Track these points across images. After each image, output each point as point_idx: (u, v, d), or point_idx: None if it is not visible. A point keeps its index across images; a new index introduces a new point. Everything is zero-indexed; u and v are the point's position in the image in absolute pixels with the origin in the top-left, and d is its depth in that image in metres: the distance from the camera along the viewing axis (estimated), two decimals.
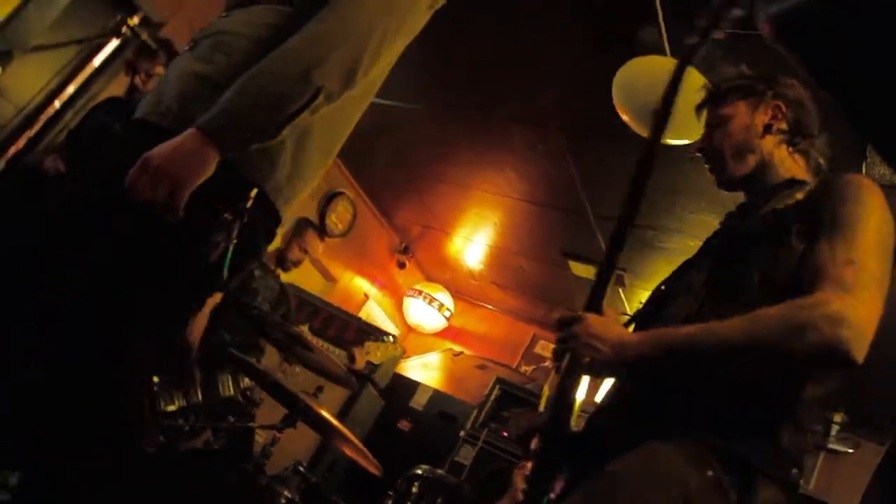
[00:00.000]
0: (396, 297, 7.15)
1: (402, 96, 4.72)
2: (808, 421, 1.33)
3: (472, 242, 6.17)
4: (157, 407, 3.87)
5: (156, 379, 3.95)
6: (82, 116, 3.44)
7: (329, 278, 6.48)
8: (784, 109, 1.58)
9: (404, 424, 5.54)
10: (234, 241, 1.51)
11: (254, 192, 1.52)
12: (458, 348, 6.88)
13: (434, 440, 5.36)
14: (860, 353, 1.23)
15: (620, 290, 5.46)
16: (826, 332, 1.24)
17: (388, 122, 5.17)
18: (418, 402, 5.69)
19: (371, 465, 2.93)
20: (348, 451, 3.12)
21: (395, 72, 1.84)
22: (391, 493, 2.64)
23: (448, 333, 7.14)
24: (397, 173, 5.81)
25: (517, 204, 5.16)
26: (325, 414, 2.58)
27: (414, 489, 2.56)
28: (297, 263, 4.44)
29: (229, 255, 1.51)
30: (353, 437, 2.64)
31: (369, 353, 3.99)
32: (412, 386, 5.80)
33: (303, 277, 5.79)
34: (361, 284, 6.82)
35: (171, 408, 3.89)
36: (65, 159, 3.15)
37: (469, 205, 5.61)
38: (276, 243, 4.42)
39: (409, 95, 4.67)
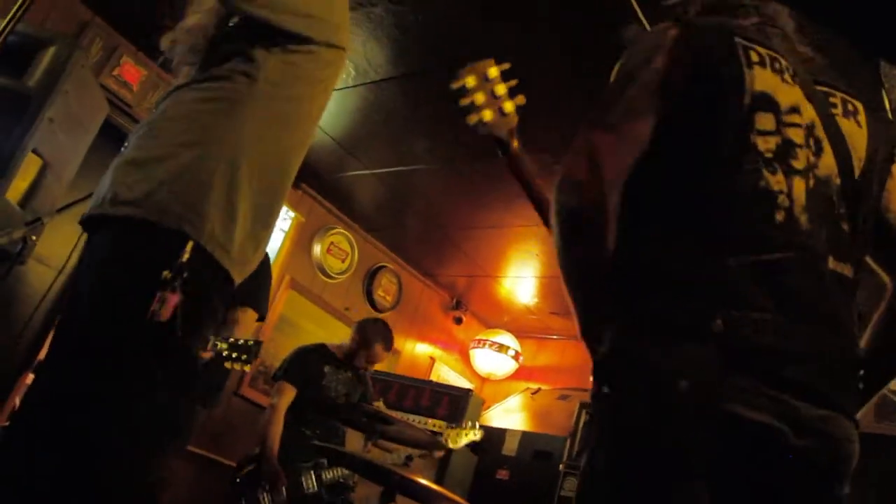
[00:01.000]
0: (462, 352, 7.15)
1: (414, 159, 4.82)
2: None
3: (521, 279, 6.17)
4: None
5: (238, 481, 4.01)
6: None
7: (392, 352, 6.50)
8: None
9: (502, 474, 5.49)
10: (180, 298, 1.54)
11: (189, 244, 1.57)
12: (534, 386, 6.82)
13: (535, 481, 5.29)
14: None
15: None
16: None
17: (407, 188, 5.27)
18: (510, 448, 5.64)
19: None
20: None
21: (404, 139, 1.91)
22: None
23: (522, 374, 7.09)
24: (431, 233, 5.87)
25: (547, 231, 5.15)
26: (421, 480, 2.58)
27: None
28: (365, 369, 4.50)
29: (177, 311, 1.54)
30: (455, 496, 2.63)
31: (451, 441, 4.00)
32: (500, 434, 5.76)
33: None
34: (424, 350, 6.84)
35: None
36: None
37: (507, 243, 5.64)
38: (346, 343, 4.48)
39: (421, 157, 4.77)
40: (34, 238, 2.60)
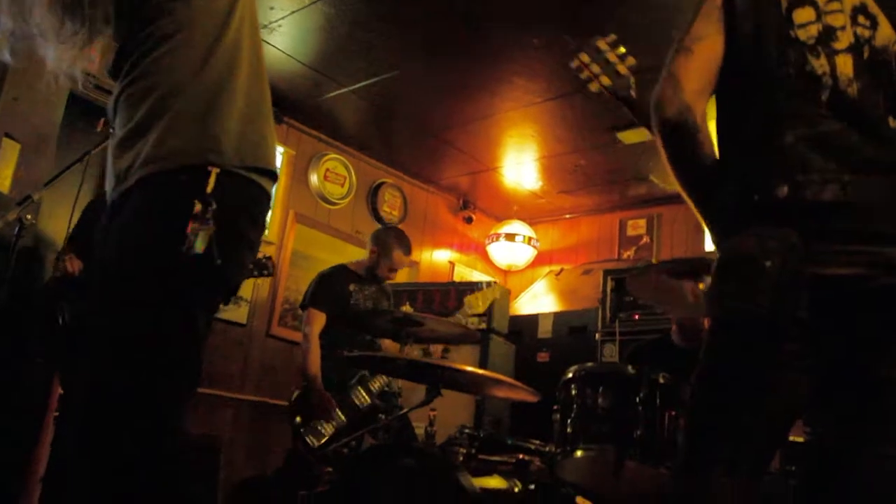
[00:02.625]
0: (478, 250, 7.17)
1: (388, 66, 4.73)
2: None
3: (522, 165, 6.12)
4: (310, 447, 4.01)
5: (298, 420, 4.10)
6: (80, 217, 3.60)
7: (410, 264, 6.53)
8: None
9: (542, 356, 5.57)
10: (213, 229, 1.53)
11: (213, 173, 1.56)
12: (556, 268, 6.85)
13: (576, 356, 5.32)
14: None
15: None
16: None
17: (389, 97, 5.18)
18: (545, 330, 5.70)
19: (528, 395, 2.95)
20: (502, 393, 3.15)
21: (374, 47, 1.87)
22: (555, 406, 2.65)
23: (542, 259, 7.11)
24: (423, 139, 5.81)
25: (542, 106, 5.08)
26: (463, 366, 2.60)
27: (573, 391, 2.56)
28: (388, 279, 4.50)
29: (212, 240, 1.53)
30: (499, 376, 2.67)
31: (473, 307, 4.02)
32: (532, 319, 5.82)
33: None
34: (441, 256, 6.86)
35: (322, 441, 4.02)
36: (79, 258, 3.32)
37: (501, 131, 5.56)
38: (364, 258, 4.49)
39: (395, 62, 4.67)
40: (29, 217, 2.58)
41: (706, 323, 1.49)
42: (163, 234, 1.56)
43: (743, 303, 1.35)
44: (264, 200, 1.75)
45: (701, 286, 2.34)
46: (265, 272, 3.80)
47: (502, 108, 5.19)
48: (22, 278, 2.84)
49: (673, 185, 1.57)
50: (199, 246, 1.52)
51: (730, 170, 1.49)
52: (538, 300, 6.50)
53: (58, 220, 3.85)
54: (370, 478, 2.64)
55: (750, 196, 1.42)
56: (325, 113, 5.50)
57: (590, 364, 2.69)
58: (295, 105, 5.37)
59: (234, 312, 5.07)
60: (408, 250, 4.48)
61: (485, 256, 7.15)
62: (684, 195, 1.55)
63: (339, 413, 4.10)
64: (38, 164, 3.13)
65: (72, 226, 3.58)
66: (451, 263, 6.89)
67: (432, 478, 2.49)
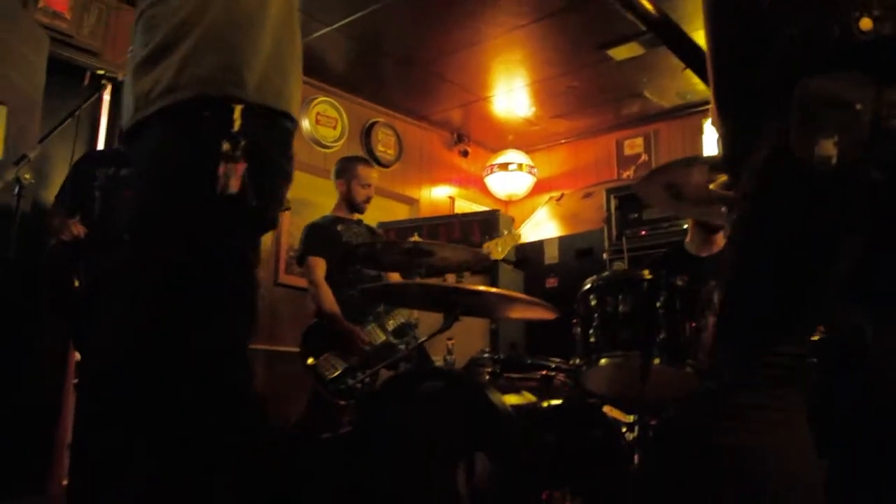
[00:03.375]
0: (477, 183, 7.12)
1: (369, 1, 4.63)
2: None
3: (513, 91, 6.03)
4: (324, 380, 4.03)
5: (310, 362, 4.10)
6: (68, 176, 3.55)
7: (410, 202, 6.50)
8: None
9: (551, 282, 5.56)
10: (246, 165, 1.50)
11: (237, 108, 1.53)
12: (557, 194, 6.82)
13: (585, 279, 5.35)
14: None
15: None
16: None
17: (373, 33, 5.08)
18: (551, 256, 5.68)
19: (545, 312, 2.95)
20: (518, 314, 3.15)
21: None
22: (575, 320, 2.64)
23: (541, 187, 7.06)
24: (412, 73, 5.72)
25: (529, 29, 4.98)
26: (477, 287, 2.59)
27: (592, 301, 2.55)
28: (367, 200, 4.47)
29: (245, 179, 1.51)
30: (516, 294, 2.66)
31: (493, 253, 3.99)
32: (538, 246, 5.79)
33: (386, 214, 5.85)
34: (441, 193, 6.82)
35: (335, 374, 4.04)
36: (82, 222, 3.28)
37: (489, 58, 5.47)
38: (337, 198, 4.46)
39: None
40: (27, 177, 2.54)
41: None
42: (194, 176, 1.52)
43: (825, 150, 1.14)
44: (290, 139, 1.71)
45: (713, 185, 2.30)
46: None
47: (489, 35, 5.09)
48: (27, 241, 2.80)
49: (672, 99, 1.44)
50: (233, 186, 1.49)
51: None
52: (541, 227, 6.47)
53: (53, 186, 3.80)
54: (395, 407, 2.64)
55: (826, 31, 1.15)
56: (310, 55, 5.38)
57: (606, 273, 2.68)
58: None
59: None
60: (367, 162, 4.55)
61: (484, 189, 7.10)
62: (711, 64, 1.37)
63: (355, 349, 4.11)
64: (29, 128, 3.06)
65: None
66: (451, 199, 6.85)
67: (460, 398, 2.49)
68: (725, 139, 1.43)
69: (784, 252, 1.23)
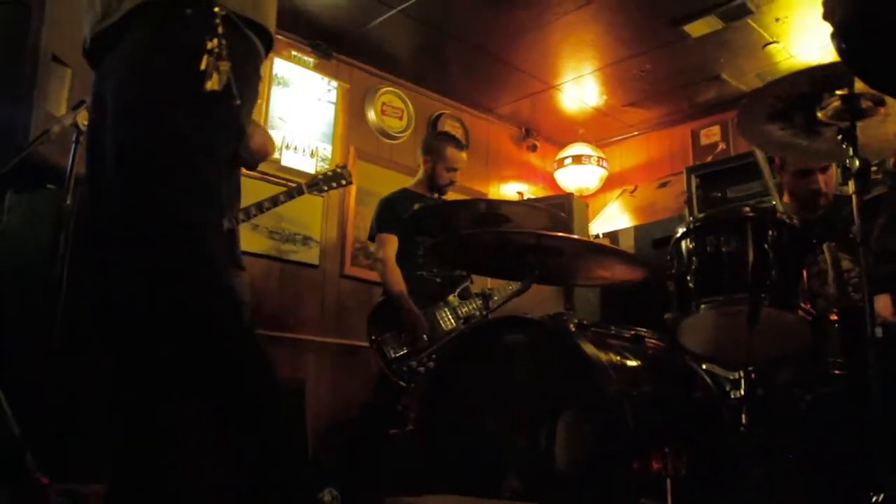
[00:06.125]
0: (546, 179, 6.91)
1: None
2: None
3: (583, 77, 5.81)
4: (387, 357, 3.86)
5: (374, 338, 3.94)
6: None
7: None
8: None
9: None
10: (229, 65, 1.46)
11: (216, 9, 1.48)
12: (630, 187, 6.55)
13: (663, 269, 5.06)
14: None
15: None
16: None
17: (439, 14, 4.94)
18: (626, 246, 5.37)
19: (632, 271, 2.73)
20: (600, 272, 2.91)
21: None
22: (670, 271, 2.40)
23: (613, 182, 6.80)
24: (478, 60, 5.56)
25: (598, 5, 4.78)
26: (561, 234, 2.38)
27: (690, 245, 2.31)
28: (450, 184, 4.30)
29: (230, 78, 1.46)
30: (607, 243, 2.43)
31: None
32: (612, 237, 5.48)
33: None
34: (509, 189, 6.62)
35: (400, 353, 3.86)
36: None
37: (558, 41, 5.27)
38: (420, 174, 4.31)
39: None
40: (85, 123, 2.44)
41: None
42: (177, 71, 1.47)
43: None
44: (260, 58, 1.65)
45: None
46: (343, 181, 3.70)
47: (558, 13, 4.89)
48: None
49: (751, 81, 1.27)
50: (217, 83, 1.44)
51: None
52: (614, 220, 6.20)
53: None
54: (472, 363, 2.44)
55: None
56: (375, 42, 5.29)
57: (703, 214, 2.44)
58: (342, 37, 5.18)
59: (306, 253, 4.94)
60: (459, 144, 4.30)
61: (554, 185, 6.87)
62: None
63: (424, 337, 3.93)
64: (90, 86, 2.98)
65: None
66: (520, 195, 6.63)
67: (546, 350, 2.28)
68: None
69: None
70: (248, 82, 1.58)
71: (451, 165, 4.20)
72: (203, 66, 1.44)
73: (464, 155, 4.32)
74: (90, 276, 1.65)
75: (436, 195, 4.25)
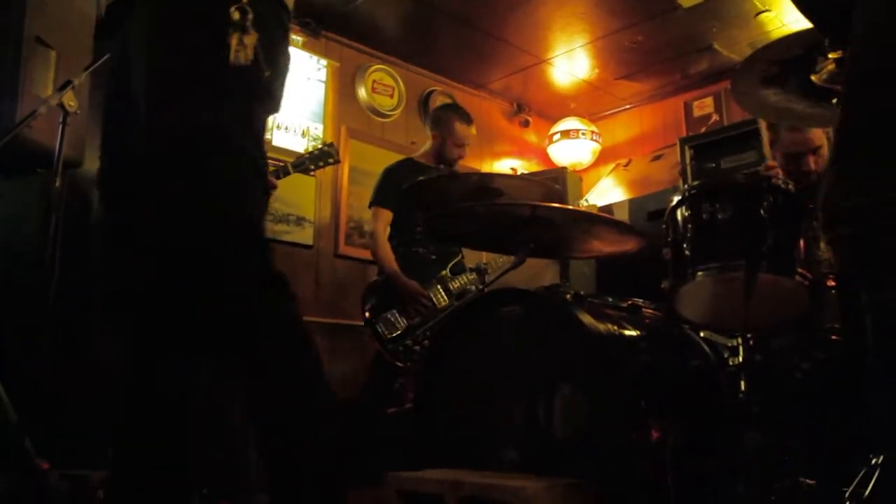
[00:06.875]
0: (539, 154, 6.88)
1: None
2: None
3: (574, 51, 5.77)
4: (383, 337, 3.85)
5: (368, 316, 3.93)
6: None
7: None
8: None
9: None
10: (255, 36, 1.44)
11: None
12: (624, 161, 6.52)
13: (658, 241, 5.03)
14: None
15: None
16: None
17: (421, 0, 4.90)
18: (621, 219, 5.40)
19: (631, 242, 2.72)
20: (597, 245, 2.89)
21: None
22: (666, 240, 2.39)
23: (606, 156, 6.78)
24: (468, 36, 5.51)
25: None
26: (556, 205, 2.36)
27: (685, 213, 2.30)
28: (459, 158, 4.27)
29: (258, 49, 1.45)
30: (598, 212, 2.42)
31: None
32: (607, 211, 5.50)
33: None
34: (503, 165, 6.59)
35: (396, 333, 3.85)
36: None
37: (549, 13, 5.22)
38: (428, 146, 4.28)
39: None
40: (72, 104, 2.41)
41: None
42: (203, 46, 1.44)
43: None
44: (288, 25, 1.64)
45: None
46: (330, 160, 3.64)
47: None
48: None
49: (743, 51, 1.28)
50: (244, 56, 1.41)
51: None
52: (608, 193, 6.18)
53: None
54: (468, 337, 2.43)
55: None
56: (363, 19, 5.24)
57: (698, 181, 2.43)
58: (331, 14, 5.13)
59: (300, 234, 4.91)
60: (468, 119, 4.24)
61: (547, 160, 6.85)
62: None
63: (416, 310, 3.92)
64: (78, 68, 2.94)
65: None
66: (514, 171, 6.60)
67: (543, 321, 2.26)
68: None
69: None
70: (279, 50, 1.55)
71: (460, 141, 4.17)
72: (231, 39, 1.42)
73: (473, 130, 4.28)
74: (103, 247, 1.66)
75: (442, 167, 4.21)
